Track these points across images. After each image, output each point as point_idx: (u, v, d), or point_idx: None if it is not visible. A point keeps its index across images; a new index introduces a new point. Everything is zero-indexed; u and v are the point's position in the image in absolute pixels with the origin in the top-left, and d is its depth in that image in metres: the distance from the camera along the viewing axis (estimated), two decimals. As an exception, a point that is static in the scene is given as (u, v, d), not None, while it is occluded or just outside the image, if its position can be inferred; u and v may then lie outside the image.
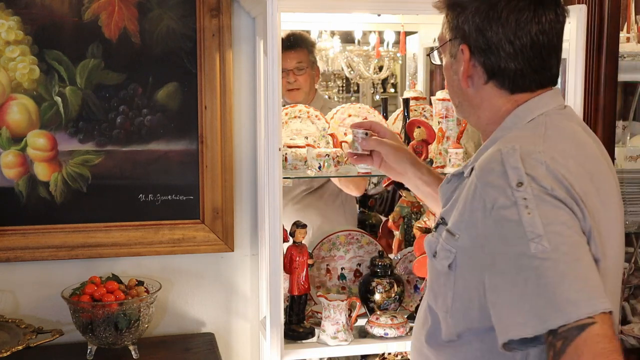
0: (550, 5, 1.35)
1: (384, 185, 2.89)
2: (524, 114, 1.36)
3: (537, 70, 1.36)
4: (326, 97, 3.54)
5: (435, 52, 1.52)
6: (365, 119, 2.35)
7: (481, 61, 1.37)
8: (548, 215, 1.16)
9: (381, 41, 3.02)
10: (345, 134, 2.35)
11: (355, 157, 1.90)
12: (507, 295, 1.17)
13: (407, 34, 2.73)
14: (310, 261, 2.17)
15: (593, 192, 1.26)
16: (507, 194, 1.19)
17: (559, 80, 1.46)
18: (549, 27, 1.35)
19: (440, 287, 1.36)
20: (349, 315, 2.14)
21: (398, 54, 3.19)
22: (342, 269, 2.37)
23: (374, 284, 2.21)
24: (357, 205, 3.05)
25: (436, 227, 1.39)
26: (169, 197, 2.29)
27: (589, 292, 1.12)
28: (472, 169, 1.31)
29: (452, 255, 1.30)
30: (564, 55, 1.74)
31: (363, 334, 2.19)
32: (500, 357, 1.24)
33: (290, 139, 2.21)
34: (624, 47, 2.55)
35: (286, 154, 2.15)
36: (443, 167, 2.29)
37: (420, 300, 2.32)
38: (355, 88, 4.41)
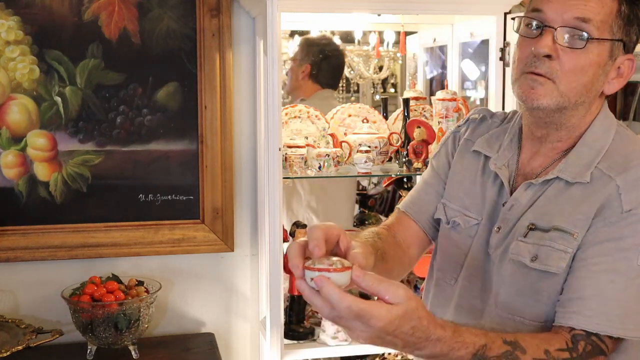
0: None
1: (384, 185, 2.88)
2: (608, 121, 1.36)
3: None
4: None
5: (580, 36, 1.26)
6: (365, 119, 2.35)
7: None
8: None
9: (381, 41, 3.02)
10: (345, 133, 2.35)
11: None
12: (601, 288, 1.22)
13: (407, 34, 2.73)
14: (310, 261, 2.16)
15: None
16: None
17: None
18: None
19: (537, 294, 1.29)
20: (349, 315, 2.14)
21: (398, 54, 3.19)
22: (342, 269, 2.36)
23: (374, 284, 2.20)
24: (357, 205, 3.06)
25: (525, 234, 1.32)
26: (169, 197, 2.29)
27: None
28: (591, 174, 1.29)
29: (568, 256, 1.26)
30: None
31: (363, 334, 2.19)
32: None
33: (290, 139, 2.21)
34: (624, 47, 2.54)
35: (286, 154, 2.15)
36: (443, 167, 2.29)
37: (420, 300, 2.31)
38: (355, 88, 4.40)
